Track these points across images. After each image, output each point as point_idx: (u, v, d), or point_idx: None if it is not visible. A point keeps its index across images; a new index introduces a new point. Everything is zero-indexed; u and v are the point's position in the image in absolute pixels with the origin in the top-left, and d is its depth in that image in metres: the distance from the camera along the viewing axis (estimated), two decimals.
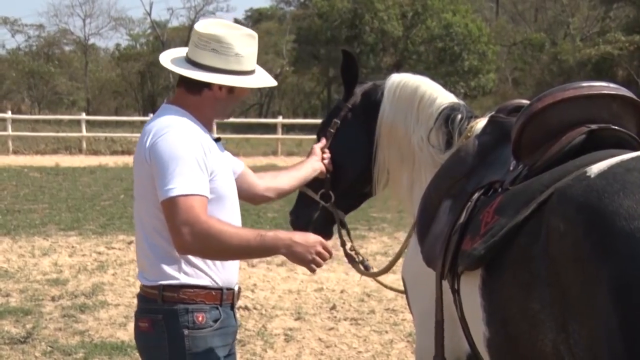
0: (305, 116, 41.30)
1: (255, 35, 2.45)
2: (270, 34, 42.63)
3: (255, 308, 6.04)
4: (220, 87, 2.37)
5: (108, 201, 12.12)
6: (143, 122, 25.98)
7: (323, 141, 2.96)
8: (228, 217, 2.37)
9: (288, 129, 26.86)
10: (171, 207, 2.18)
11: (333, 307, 6.06)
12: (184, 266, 2.32)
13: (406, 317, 5.77)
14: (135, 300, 6.83)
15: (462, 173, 2.45)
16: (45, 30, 49.24)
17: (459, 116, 2.68)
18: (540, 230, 1.86)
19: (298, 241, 2.23)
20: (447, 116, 2.69)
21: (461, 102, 2.78)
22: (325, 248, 2.26)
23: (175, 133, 2.26)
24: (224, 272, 2.39)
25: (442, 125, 2.70)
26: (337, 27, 37.70)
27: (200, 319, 2.31)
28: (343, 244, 3.09)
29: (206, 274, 2.35)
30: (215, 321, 2.35)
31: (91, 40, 50.85)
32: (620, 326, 1.60)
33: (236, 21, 51.80)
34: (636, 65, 32.27)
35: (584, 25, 40.66)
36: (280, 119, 24.93)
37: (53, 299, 6.21)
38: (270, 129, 25.12)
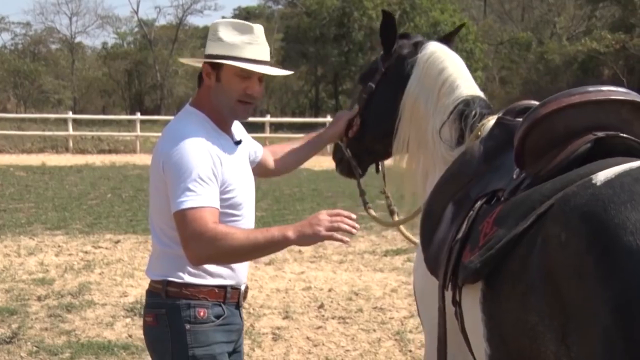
0: (294, 115, 41.32)
1: (251, 25, 2.41)
2: None
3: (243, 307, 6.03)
4: (208, 74, 2.40)
5: (95, 200, 12.06)
6: (130, 121, 26.04)
7: (355, 108, 2.95)
8: (243, 227, 2.40)
9: (276, 127, 26.84)
10: (182, 219, 2.22)
11: (321, 306, 6.06)
12: (189, 266, 2.34)
13: (394, 316, 5.79)
14: (122, 300, 6.78)
15: (467, 178, 2.37)
16: (31, 28, 48.99)
17: (473, 112, 2.58)
18: (538, 242, 1.79)
19: (303, 223, 2.21)
20: (461, 112, 2.59)
21: (480, 94, 2.68)
22: (338, 214, 2.22)
23: (188, 146, 2.28)
24: (230, 271, 2.41)
25: (456, 120, 2.61)
26: (325, 25, 37.73)
27: (202, 314, 2.35)
28: (362, 193, 3.14)
29: (211, 274, 2.38)
30: (218, 317, 2.38)
31: (78, 39, 50.66)
32: (623, 346, 1.53)
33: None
34: (622, 64, 32.48)
35: (570, 25, 40.93)
36: (268, 118, 24.91)
37: (39, 298, 6.17)
38: (258, 127, 25.05)
